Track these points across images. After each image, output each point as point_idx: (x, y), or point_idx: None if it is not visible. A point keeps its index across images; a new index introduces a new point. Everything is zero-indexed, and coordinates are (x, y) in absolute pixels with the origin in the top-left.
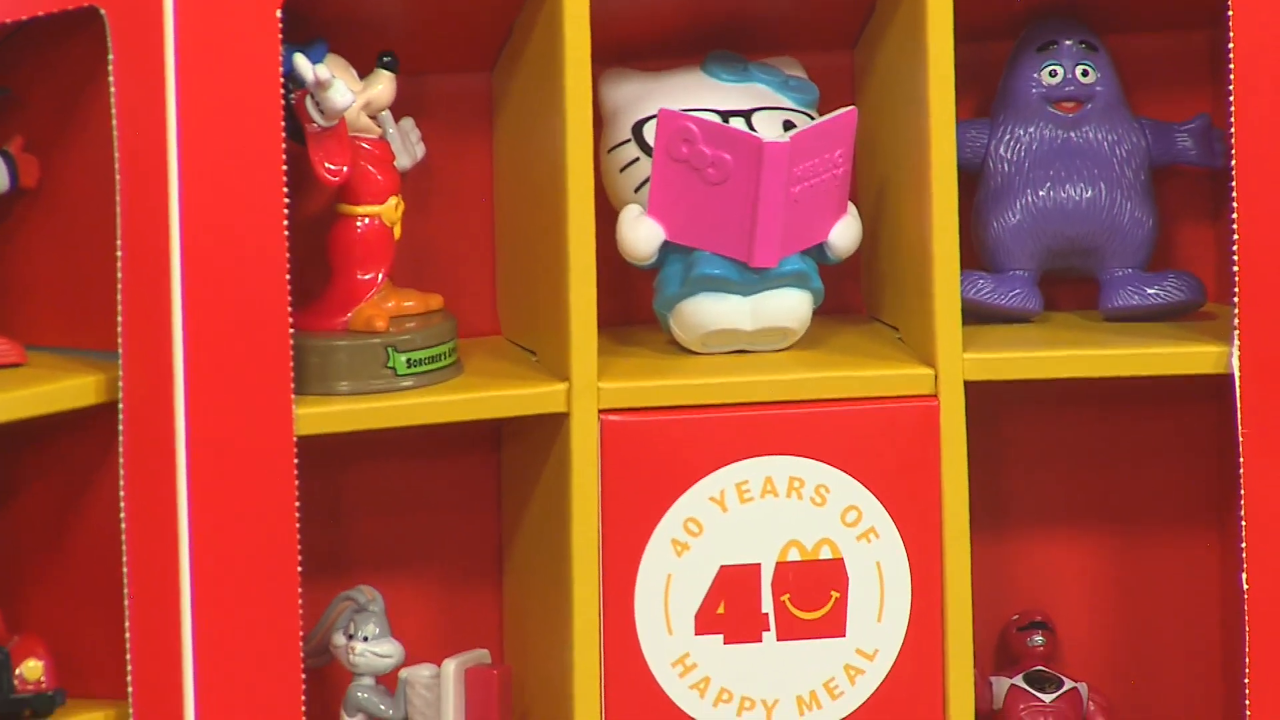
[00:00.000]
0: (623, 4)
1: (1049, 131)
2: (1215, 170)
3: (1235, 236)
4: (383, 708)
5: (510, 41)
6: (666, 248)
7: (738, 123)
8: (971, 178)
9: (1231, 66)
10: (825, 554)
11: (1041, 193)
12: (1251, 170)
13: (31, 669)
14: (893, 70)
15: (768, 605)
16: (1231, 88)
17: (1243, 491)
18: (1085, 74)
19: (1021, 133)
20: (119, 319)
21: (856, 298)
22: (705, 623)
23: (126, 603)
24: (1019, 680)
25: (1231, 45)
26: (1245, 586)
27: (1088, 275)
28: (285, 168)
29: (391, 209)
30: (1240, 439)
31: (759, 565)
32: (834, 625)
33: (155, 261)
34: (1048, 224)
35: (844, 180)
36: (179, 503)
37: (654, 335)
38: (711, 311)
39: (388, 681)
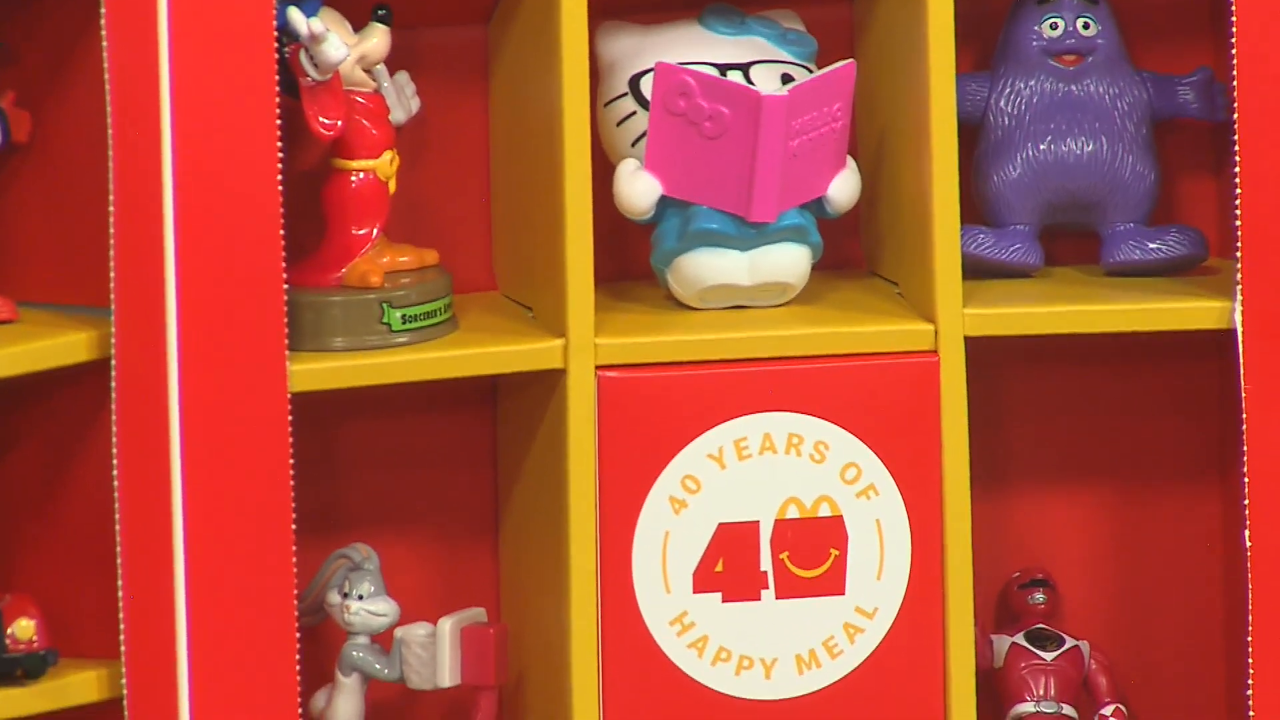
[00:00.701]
0: None
1: (1050, 85)
2: (1217, 124)
3: (1237, 191)
4: (378, 666)
5: None
6: (664, 202)
7: (735, 76)
8: (971, 131)
9: (1233, 19)
10: (824, 511)
11: (1042, 146)
12: (1254, 124)
13: (23, 628)
14: (892, 23)
15: (766, 563)
16: (1234, 40)
17: (1245, 447)
18: (1086, 26)
19: (1022, 86)
20: (111, 274)
21: (856, 253)
22: (703, 581)
23: (119, 562)
24: (1020, 638)
25: None
26: (1248, 543)
27: (1089, 230)
28: (279, 122)
29: (386, 164)
30: (1243, 395)
31: (757, 523)
32: (833, 583)
33: (148, 216)
34: (1048, 178)
35: (843, 134)
36: (172, 461)
37: (651, 291)
38: (709, 267)
39: (383, 640)
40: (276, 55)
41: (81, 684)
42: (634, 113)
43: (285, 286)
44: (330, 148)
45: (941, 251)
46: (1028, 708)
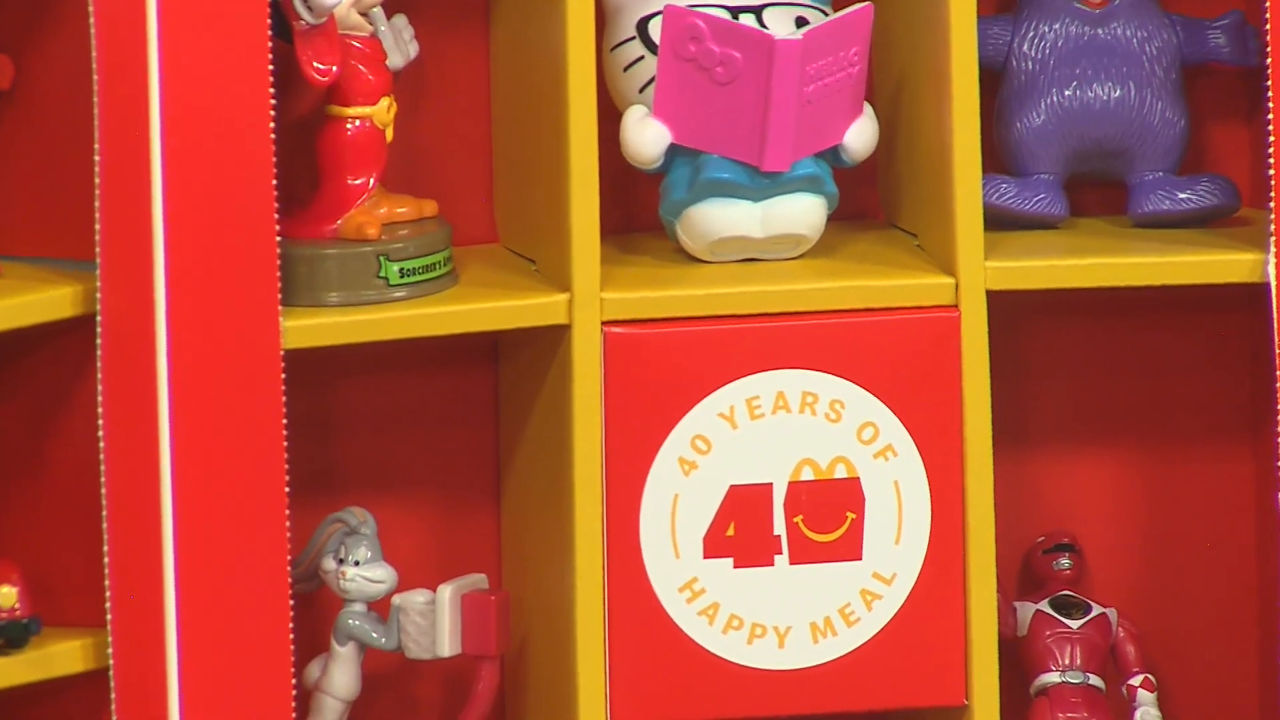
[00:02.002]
0: None
1: (1075, 28)
2: (1249, 69)
3: (1270, 138)
4: (375, 635)
5: None
6: (673, 151)
7: (748, 19)
8: (994, 77)
9: None
10: (840, 473)
11: (1067, 92)
12: None
13: (4, 595)
14: None
15: (780, 527)
16: None
17: (1278, 405)
18: None
19: (1046, 29)
20: (96, 227)
21: (873, 203)
22: (714, 546)
23: (105, 526)
24: (1044, 605)
25: None
26: None
27: (1116, 179)
28: (272, 68)
29: (383, 110)
30: (1275, 350)
31: (770, 485)
32: (849, 548)
33: (135, 166)
34: (1074, 125)
35: (859, 80)
36: (160, 420)
37: (660, 243)
38: (720, 218)
39: (380, 608)
40: None
41: (66, 654)
42: (641, 57)
43: (278, 239)
44: (325, 94)
45: (962, 202)
46: (1053, 678)
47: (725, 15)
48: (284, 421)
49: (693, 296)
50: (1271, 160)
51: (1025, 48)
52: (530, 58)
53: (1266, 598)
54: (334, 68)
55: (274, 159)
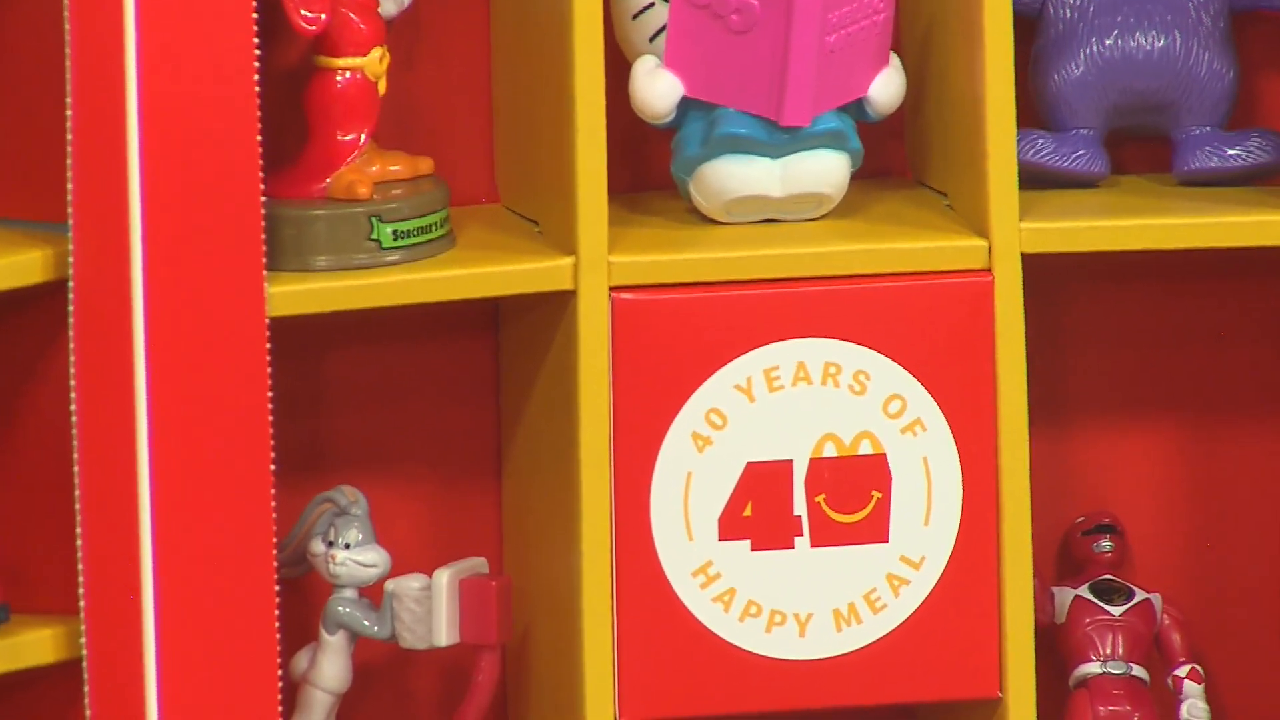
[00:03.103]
0: None
1: None
2: None
3: None
4: (367, 623)
5: None
6: (686, 104)
7: None
8: (1029, 25)
9: None
10: (865, 449)
11: (1108, 41)
12: None
13: None
14: None
15: (800, 507)
16: None
17: None
18: None
19: None
20: (68, 186)
21: (900, 160)
22: (730, 527)
23: (77, 507)
24: (1084, 590)
25: None
26: None
27: (1160, 134)
28: (256, 15)
29: (375, 61)
30: None
31: (790, 462)
32: (875, 530)
33: (109, 122)
34: (1115, 77)
35: (885, 28)
36: (137, 394)
37: (672, 203)
38: (736, 176)
39: (372, 594)
40: None
41: (36, 643)
42: (652, 4)
43: (263, 199)
44: (313, 44)
45: (995, 159)
46: (1093, 668)
47: None
48: (269, 395)
49: (707, 260)
50: None
51: None
52: (533, 4)
53: None
54: (323, 15)
55: (259, 113)
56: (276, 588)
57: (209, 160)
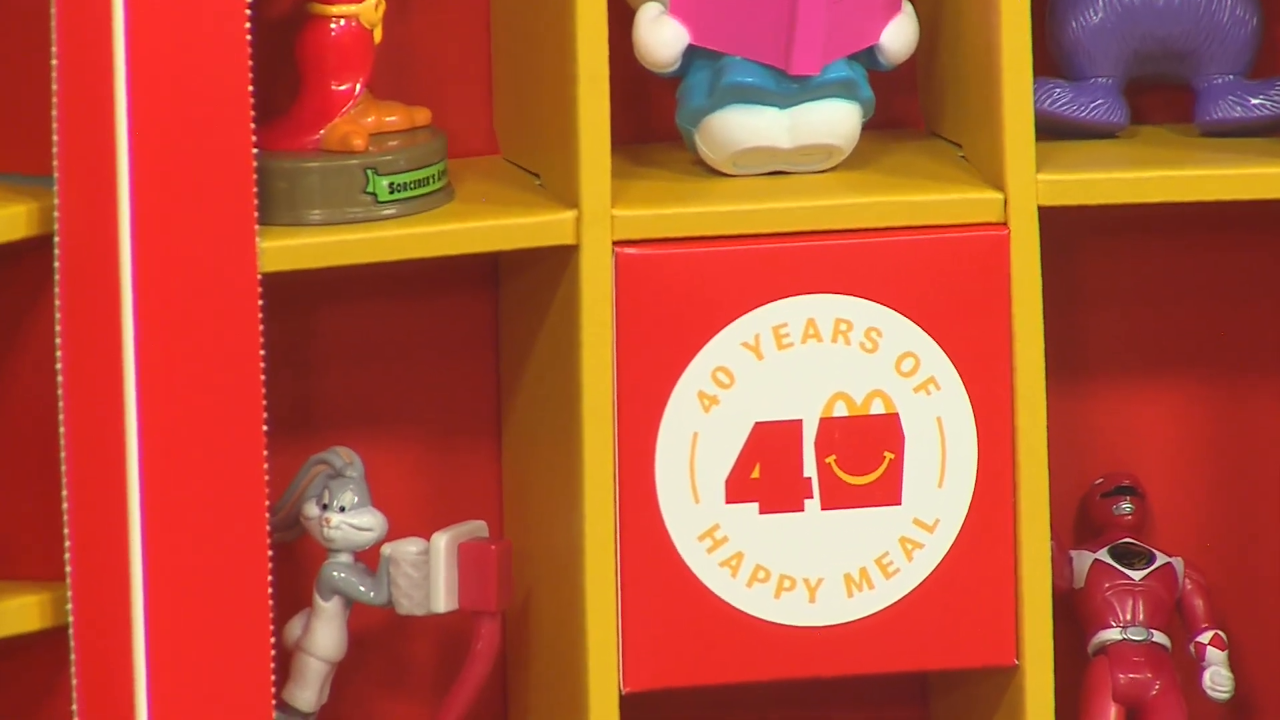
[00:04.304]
0: None
1: None
2: None
3: None
4: (362, 589)
5: None
6: (691, 52)
7: None
8: None
9: None
10: (877, 408)
11: None
12: None
13: None
14: None
15: (810, 469)
16: None
17: None
18: None
19: None
20: (54, 138)
21: (913, 110)
22: (737, 489)
23: (63, 470)
24: (1103, 554)
25: None
26: None
27: (1181, 83)
28: None
29: (371, 9)
30: None
31: (800, 422)
32: (887, 492)
33: (95, 72)
34: (1135, 23)
35: None
36: (124, 352)
37: (677, 154)
38: (744, 126)
39: (368, 558)
40: None
41: (20, 610)
42: None
43: (254, 151)
44: None
45: (1011, 109)
46: (1113, 634)
47: None
48: (261, 353)
49: (713, 213)
50: None
51: None
52: None
53: None
54: None
55: (250, 62)
56: (269, 552)
57: (199, 111)
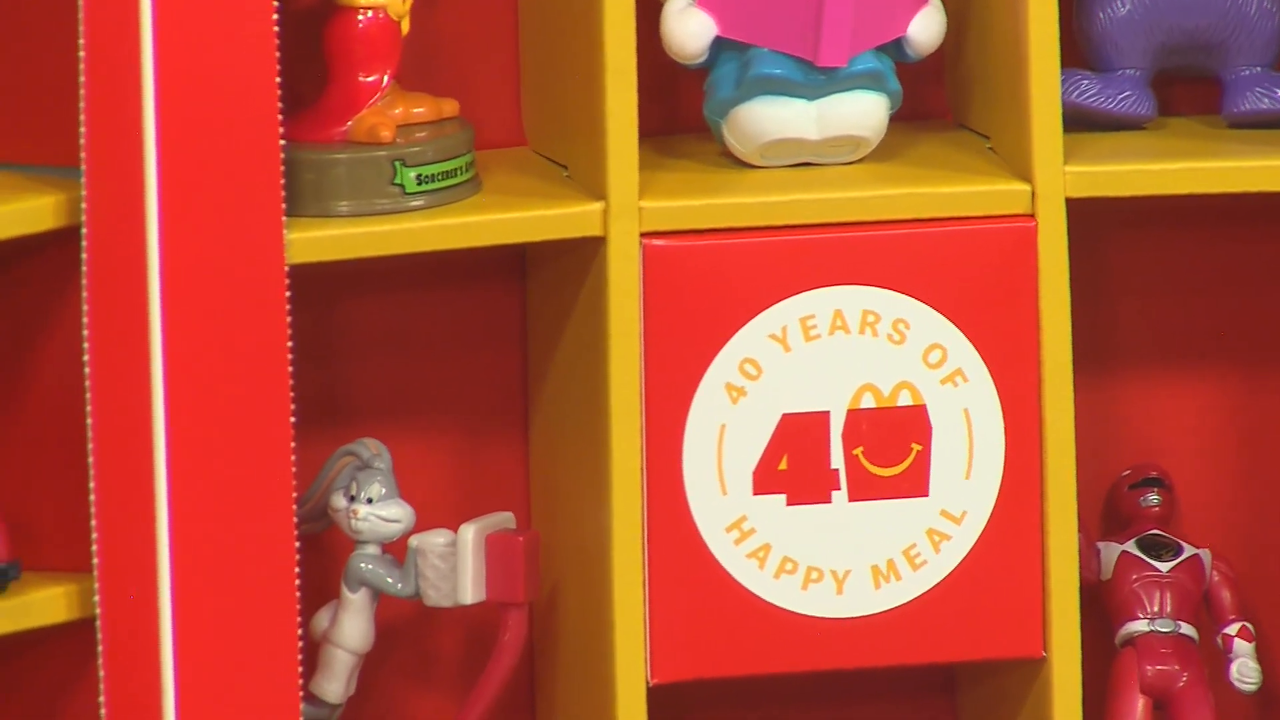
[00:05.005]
0: None
1: None
2: None
3: None
4: (390, 580)
5: None
6: (719, 44)
7: None
8: None
9: None
10: (904, 400)
11: None
12: None
13: None
14: None
15: (838, 460)
16: None
17: None
18: None
19: None
20: (81, 129)
21: (940, 102)
22: (765, 481)
23: (90, 461)
24: (1130, 546)
25: None
26: None
27: (1209, 75)
28: None
29: (398, 0)
30: None
31: (827, 414)
32: (915, 483)
33: (123, 63)
34: (1162, 15)
35: None
36: (151, 343)
37: (704, 146)
38: (771, 118)
39: (395, 550)
40: None
41: (47, 602)
42: None
43: (282, 142)
44: None
45: (1039, 100)
46: (1140, 626)
47: None
48: (289, 344)
49: (741, 205)
50: None
51: None
52: None
53: None
54: None
55: (278, 54)
56: (296, 544)
57: (226, 102)
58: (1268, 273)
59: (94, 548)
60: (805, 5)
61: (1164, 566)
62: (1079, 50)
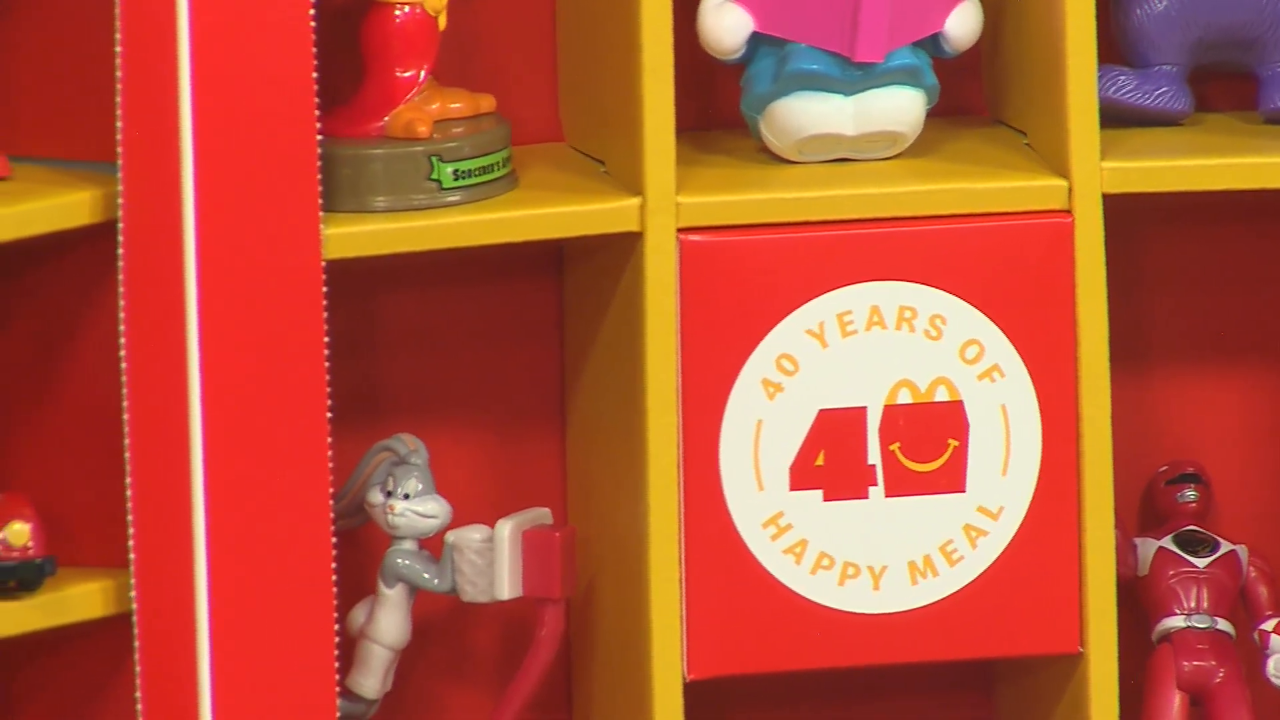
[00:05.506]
0: None
1: None
2: None
3: None
4: (426, 576)
5: None
6: (755, 40)
7: None
8: None
9: None
10: (941, 395)
11: None
12: None
13: (16, 533)
14: None
15: (874, 456)
16: None
17: None
18: None
19: None
20: (118, 125)
21: (977, 97)
22: (801, 476)
23: (127, 456)
24: (1167, 542)
25: None
26: None
27: (1245, 71)
28: None
29: None
30: None
31: (864, 409)
32: (952, 479)
33: (160, 58)
34: (1199, 11)
35: None
36: (188, 338)
37: (741, 141)
38: (808, 113)
39: (432, 546)
40: None
41: (84, 597)
42: None
43: (319, 138)
44: None
45: (1076, 96)
46: (1177, 622)
47: None
48: (326, 340)
49: (778, 200)
50: None
51: None
52: None
53: None
54: None
55: (314, 49)
56: (333, 539)
57: (263, 98)
58: None
59: (130, 543)
60: (842, 1)
61: (1201, 562)
62: (1116, 46)
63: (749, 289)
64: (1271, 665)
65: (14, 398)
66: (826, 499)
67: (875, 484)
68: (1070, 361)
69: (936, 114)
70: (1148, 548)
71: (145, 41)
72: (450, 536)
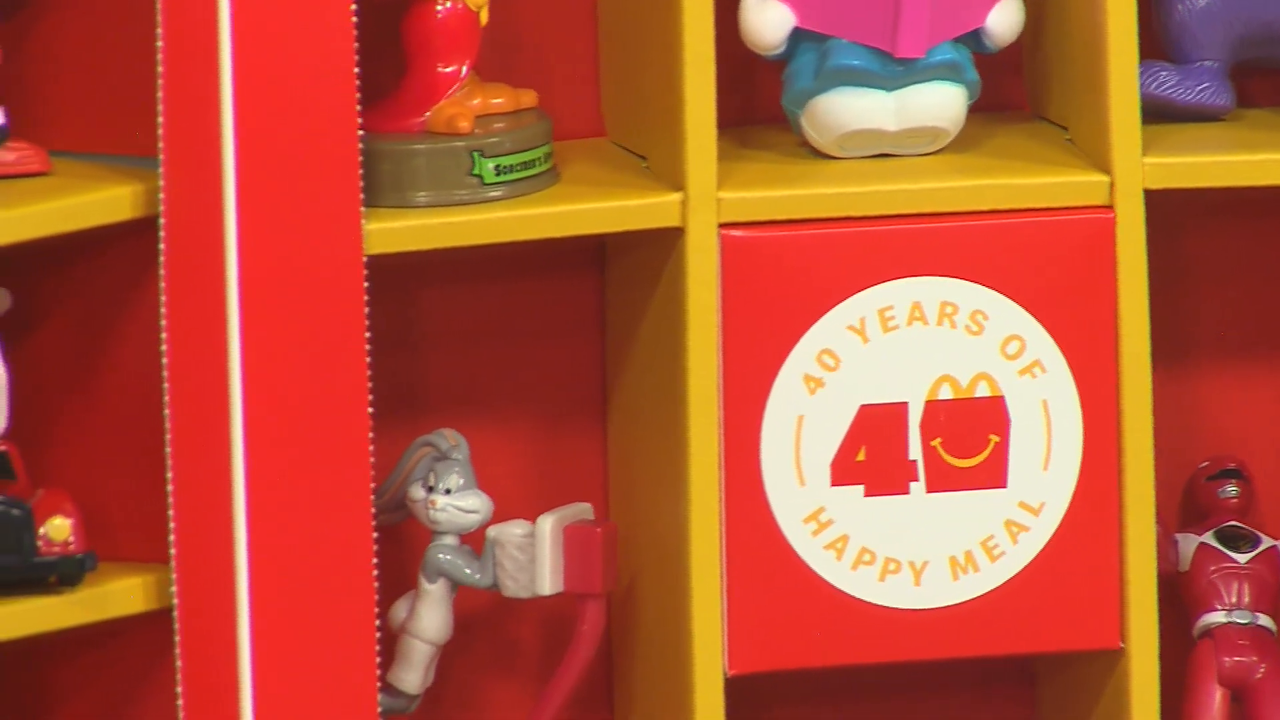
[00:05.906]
0: None
1: None
2: None
3: None
4: (468, 571)
5: None
6: (797, 35)
7: None
8: None
9: None
10: (982, 391)
11: None
12: None
13: (57, 528)
14: None
15: (915, 451)
16: None
17: None
18: None
19: None
20: (159, 119)
21: (1018, 93)
22: (842, 472)
23: (168, 452)
24: (1208, 538)
25: None
26: None
27: None
28: None
29: None
30: None
31: (905, 405)
32: (993, 474)
33: (200, 52)
34: (1241, 7)
35: None
36: (229, 335)
37: (783, 137)
38: (850, 109)
39: (473, 541)
40: None
41: (124, 592)
42: None
43: (360, 133)
44: None
45: (1117, 92)
46: (1218, 618)
47: None
48: (367, 335)
49: (819, 196)
50: None
51: None
52: None
53: None
54: None
55: (356, 44)
56: (374, 535)
57: (304, 93)
58: None
59: (171, 538)
60: None
61: (1242, 558)
62: (1157, 42)
63: (790, 284)
64: None
65: (55, 393)
66: (868, 494)
67: (916, 479)
68: (1111, 357)
69: (978, 109)
70: (1189, 543)
71: (186, 36)
72: (492, 531)
